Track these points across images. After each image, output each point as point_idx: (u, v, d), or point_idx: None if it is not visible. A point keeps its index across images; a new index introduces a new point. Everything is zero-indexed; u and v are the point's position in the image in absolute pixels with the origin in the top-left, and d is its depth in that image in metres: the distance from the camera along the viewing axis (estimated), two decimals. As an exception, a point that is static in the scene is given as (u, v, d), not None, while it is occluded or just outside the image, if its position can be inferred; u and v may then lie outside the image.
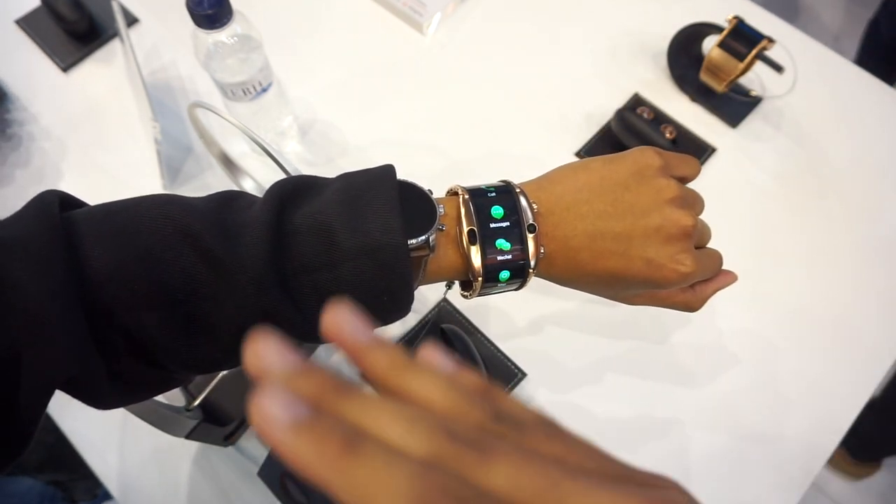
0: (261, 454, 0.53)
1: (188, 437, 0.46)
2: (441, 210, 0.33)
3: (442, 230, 0.33)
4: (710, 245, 0.40)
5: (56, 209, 0.29)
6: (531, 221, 0.33)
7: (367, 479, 0.13)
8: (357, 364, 0.16)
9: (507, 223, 0.33)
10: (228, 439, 0.52)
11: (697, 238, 0.37)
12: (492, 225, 0.33)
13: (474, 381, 0.16)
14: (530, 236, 0.33)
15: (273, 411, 0.14)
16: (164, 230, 0.29)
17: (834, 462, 1.24)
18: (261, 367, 0.15)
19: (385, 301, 0.32)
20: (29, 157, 0.68)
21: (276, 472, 0.47)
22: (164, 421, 0.43)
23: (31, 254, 0.27)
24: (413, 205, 0.32)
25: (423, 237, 0.31)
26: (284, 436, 0.13)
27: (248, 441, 0.54)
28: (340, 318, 0.16)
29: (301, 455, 0.13)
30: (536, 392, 0.55)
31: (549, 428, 0.16)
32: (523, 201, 0.34)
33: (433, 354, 0.16)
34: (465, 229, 0.33)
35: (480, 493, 0.13)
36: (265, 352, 0.15)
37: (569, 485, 0.14)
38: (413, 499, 0.12)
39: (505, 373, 0.55)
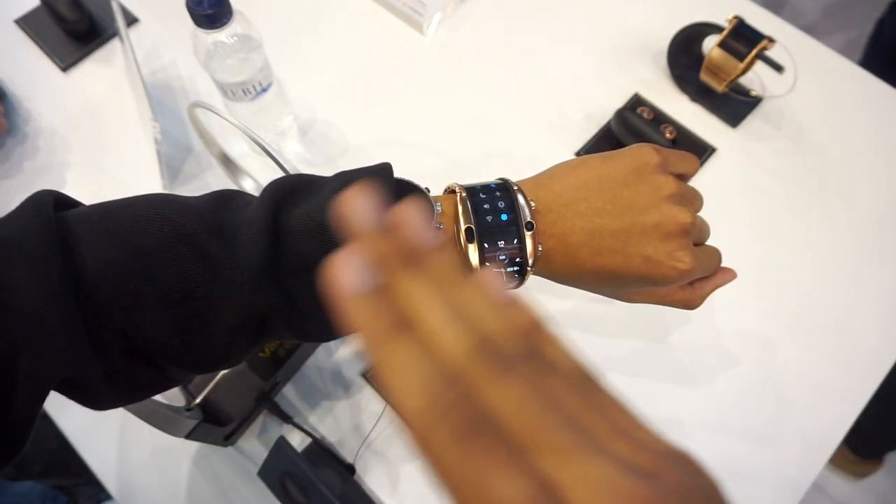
0: (261, 454, 0.53)
1: (188, 437, 0.46)
2: (438, 208, 0.33)
3: (439, 228, 0.33)
4: (709, 243, 0.40)
5: (51, 209, 0.29)
6: (529, 219, 0.33)
7: (396, 364, 0.15)
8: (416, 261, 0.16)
9: (505, 221, 0.33)
10: (228, 439, 0.52)
11: (696, 235, 0.37)
12: (489, 223, 0.33)
13: (524, 316, 0.16)
14: (528, 234, 0.33)
15: (345, 274, 0.15)
16: (159, 230, 0.29)
17: (835, 460, 1.24)
18: (349, 217, 0.17)
19: None
20: (28, 157, 0.68)
21: (276, 472, 0.47)
22: (163, 421, 0.43)
23: (26, 254, 0.27)
24: None
25: None
26: (347, 299, 0.15)
27: (248, 441, 0.54)
28: (406, 212, 0.17)
29: (354, 319, 0.15)
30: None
31: (581, 381, 0.16)
32: (521, 199, 0.34)
33: (492, 279, 0.17)
34: (463, 227, 0.33)
35: (483, 411, 0.14)
36: (356, 205, 0.16)
37: (563, 437, 0.14)
38: (427, 394, 0.14)
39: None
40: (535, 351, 0.16)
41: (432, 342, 0.15)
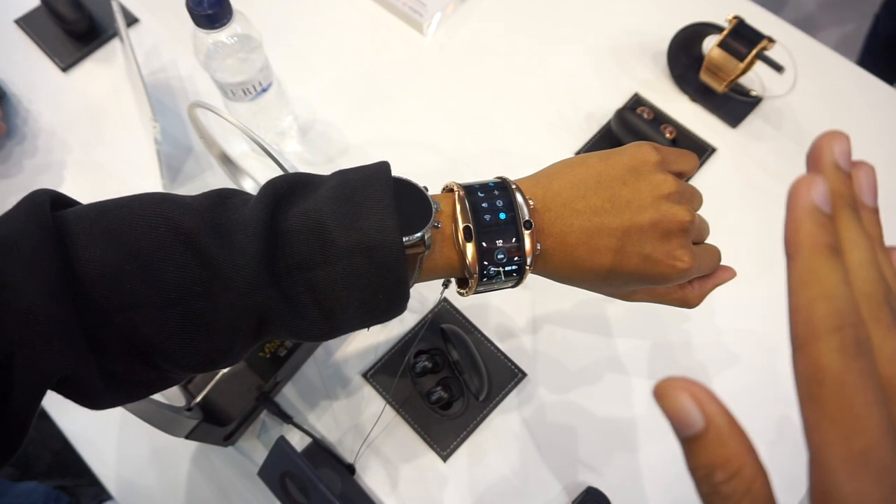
0: (261, 454, 0.53)
1: (188, 437, 0.46)
2: (436, 207, 0.33)
3: (437, 227, 0.33)
4: (708, 242, 0.40)
5: (47, 208, 0.29)
6: (527, 218, 0.33)
7: (821, 273, 0.16)
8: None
9: (503, 220, 0.33)
10: (228, 439, 0.52)
11: (696, 234, 0.37)
12: (487, 221, 0.33)
13: None
14: (526, 233, 0.33)
15: (809, 195, 0.17)
16: (157, 229, 0.29)
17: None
18: (828, 150, 0.19)
19: (380, 299, 0.31)
20: (28, 156, 0.68)
21: (276, 472, 0.47)
22: (163, 421, 0.43)
23: (23, 254, 0.26)
24: (408, 202, 0.32)
25: (419, 234, 0.31)
26: (802, 213, 0.17)
27: (248, 441, 0.54)
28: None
29: (801, 227, 0.17)
30: (536, 391, 0.55)
31: None
32: (519, 198, 0.33)
33: None
34: (461, 226, 0.32)
35: (869, 347, 0.16)
36: (839, 144, 0.19)
37: None
38: (834, 307, 0.16)
39: (505, 372, 0.55)
40: None
41: (852, 272, 0.17)
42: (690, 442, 0.17)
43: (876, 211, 0.21)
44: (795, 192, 0.18)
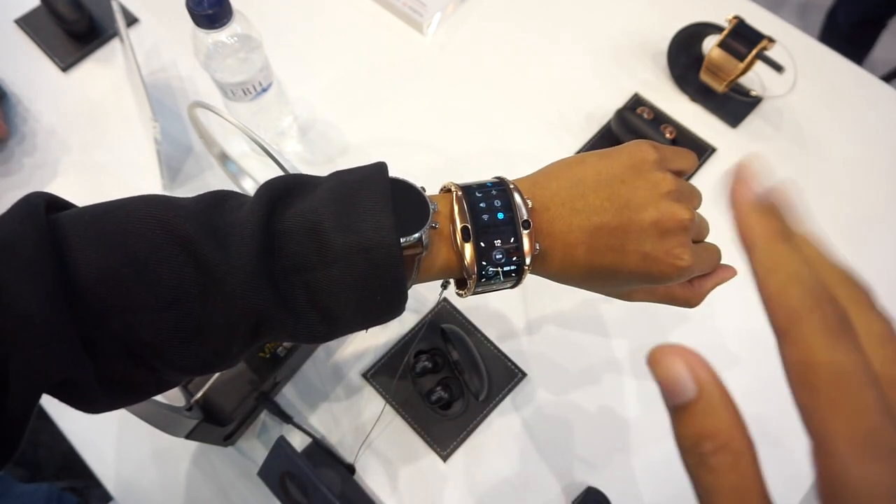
0: (261, 454, 0.53)
1: (188, 437, 0.46)
2: (434, 207, 0.32)
3: (435, 228, 0.33)
4: (708, 241, 0.40)
5: (42, 211, 0.29)
6: (526, 218, 0.33)
7: (783, 258, 0.17)
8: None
9: (502, 220, 0.33)
10: (228, 439, 0.52)
11: (695, 232, 0.36)
12: (486, 222, 0.32)
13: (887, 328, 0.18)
14: (525, 233, 0.33)
15: (749, 191, 0.18)
16: (152, 232, 0.29)
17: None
18: (736, 192, 0.19)
19: (378, 301, 0.31)
20: (28, 156, 0.68)
21: (276, 472, 0.47)
22: (163, 421, 0.43)
23: (18, 257, 0.26)
24: (406, 202, 0.32)
25: (416, 235, 0.31)
26: (748, 208, 0.18)
27: (248, 441, 0.54)
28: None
29: (748, 224, 0.18)
30: (536, 392, 0.55)
31: None
32: (518, 198, 0.33)
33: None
34: (459, 227, 0.32)
35: (850, 323, 0.16)
36: (744, 185, 0.19)
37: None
38: (805, 286, 0.16)
39: (505, 373, 0.55)
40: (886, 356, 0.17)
41: (813, 262, 0.17)
42: (680, 411, 0.17)
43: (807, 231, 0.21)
44: (735, 193, 0.19)
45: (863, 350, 0.15)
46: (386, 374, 0.56)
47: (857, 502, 0.14)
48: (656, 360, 0.17)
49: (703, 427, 0.16)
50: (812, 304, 0.16)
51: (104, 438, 0.55)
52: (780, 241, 0.17)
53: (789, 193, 0.20)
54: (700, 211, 0.38)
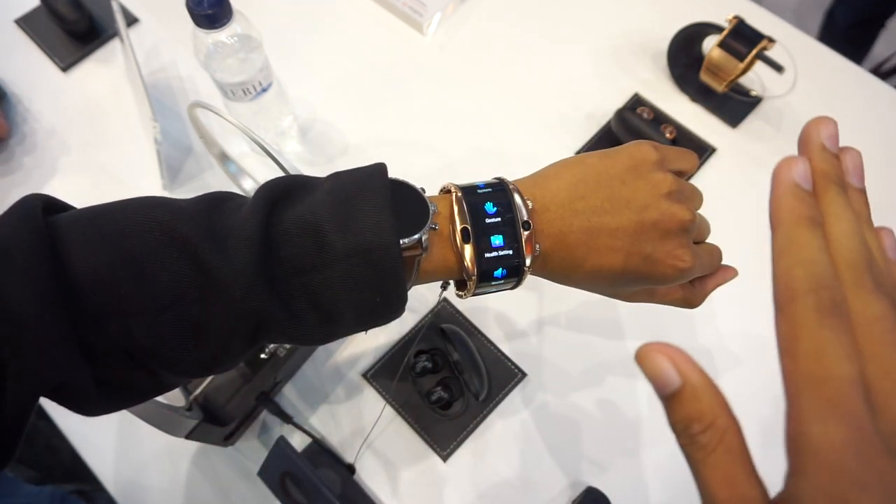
0: (261, 454, 0.53)
1: (188, 437, 0.46)
2: (434, 208, 0.32)
3: (435, 229, 0.32)
4: (709, 242, 0.40)
5: (39, 213, 0.28)
6: (525, 219, 0.33)
7: (802, 242, 0.18)
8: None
9: (501, 221, 0.32)
10: (228, 439, 0.52)
11: (696, 233, 0.36)
12: (486, 223, 0.32)
13: None
14: (525, 234, 0.33)
15: (790, 173, 0.20)
16: (150, 234, 0.28)
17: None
18: (816, 132, 0.22)
19: (378, 302, 0.31)
20: (28, 156, 0.68)
21: (276, 472, 0.47)
22: (164, 421, 0.43)
23: (15, 260, 0.26)
24: (405, 203, 0.32)
25: (416, 236, 0.31)
26: (784, 189, 0.19)
27: (248, 441, 0.54)
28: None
29: (783, 200, 0.19)
30: (536, 392, 0.55)
31: None
32: (517, 198, 0.33)
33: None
34: (459, 228, 0.32)
35: (844, 305, 0.18)
36: (826, 128, 0.22)
37: None
38: (812, 272, 0.18)
39: (505, 373, 0.55)
40: None
41: (833, 243, 0.19)
42: (670, 399, 0.19)
43: (863, 191, 0.23)
44: (778, 172, 0.20)
45: (850, 330, 0.17)
46: (386, 374, 0.56)
47: (815, 454, 0.16)
48: (643, 357, 0.19)
49: (690, 411, 0.19)
50: (810, 286, 0.17)
51: (104, 438, 0.55)
52: (803, 227, 0.19)
53: (857, 162, 0.23)
54: (701, 211, 0.38)
